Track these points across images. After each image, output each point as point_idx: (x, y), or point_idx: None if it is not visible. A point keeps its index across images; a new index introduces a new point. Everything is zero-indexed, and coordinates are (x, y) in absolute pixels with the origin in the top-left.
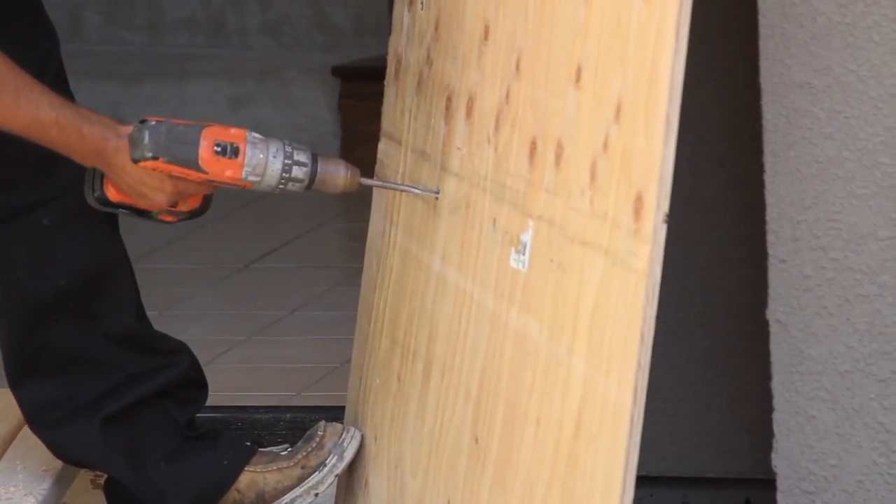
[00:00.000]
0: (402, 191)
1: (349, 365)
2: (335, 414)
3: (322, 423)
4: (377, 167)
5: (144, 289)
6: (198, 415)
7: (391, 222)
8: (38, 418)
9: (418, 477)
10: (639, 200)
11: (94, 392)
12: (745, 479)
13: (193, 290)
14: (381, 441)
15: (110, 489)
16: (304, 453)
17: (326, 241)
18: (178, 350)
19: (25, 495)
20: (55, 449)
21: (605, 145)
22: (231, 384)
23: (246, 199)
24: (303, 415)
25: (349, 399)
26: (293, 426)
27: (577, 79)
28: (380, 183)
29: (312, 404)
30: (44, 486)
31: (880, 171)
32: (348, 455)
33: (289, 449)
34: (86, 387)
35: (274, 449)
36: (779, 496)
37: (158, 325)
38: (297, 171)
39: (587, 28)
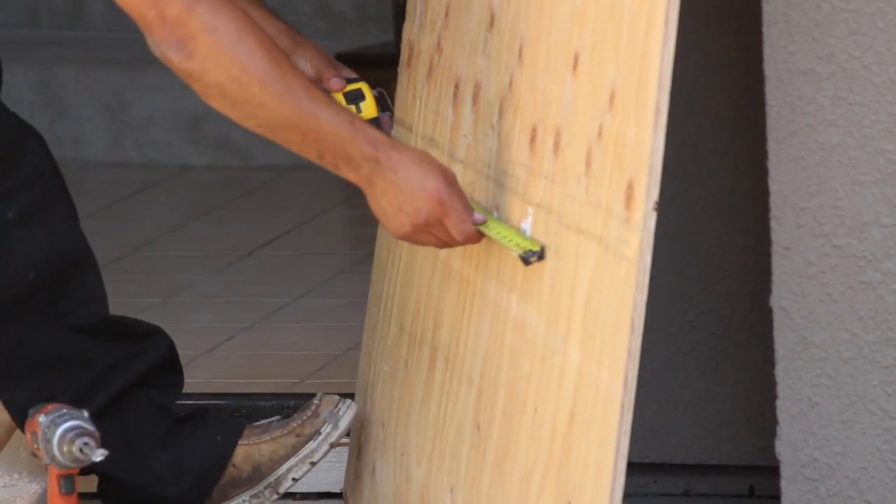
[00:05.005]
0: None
1: (353, 352)
2: None
3: (319, 393)
4: None
5: (148, 276)
6: (202, 402)
7: None
8: (24, 424)
9: (423, 464)
10: (630, 188)
11: (74, 391)
12: (748, 467)
13: (197, 278)
14: (388, 428)
15: (105, 490)
16: (299, 422)
17: (330, 229)
18: (153, 332)
19: (29, 482)
20: None
21: (600, 133)
22: (235, 371)
23: (249, 186)
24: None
25: (359, 385)
26: None
27: (575, 66)
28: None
29: (316, 392)
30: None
31: (884, 157)
32: (343, 424)
33: (281, 420)
34: (64, 387)
35: (269, 420)
36: (782, 483)
37: (162, 313)
38: None
39: (584, 15)
